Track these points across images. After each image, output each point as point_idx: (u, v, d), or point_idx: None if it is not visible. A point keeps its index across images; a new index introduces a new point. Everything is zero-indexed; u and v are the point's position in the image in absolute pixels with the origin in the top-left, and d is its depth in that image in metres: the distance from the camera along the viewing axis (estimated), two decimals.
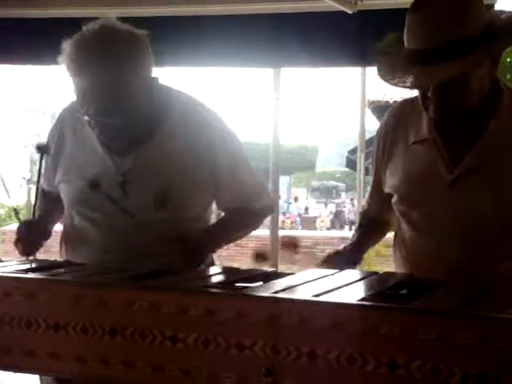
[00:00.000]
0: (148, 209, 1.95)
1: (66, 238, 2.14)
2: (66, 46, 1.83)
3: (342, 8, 3.64)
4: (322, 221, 24.56)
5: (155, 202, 1.91)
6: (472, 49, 1.66)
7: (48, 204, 2.19)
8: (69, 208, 2.08)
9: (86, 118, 1.88)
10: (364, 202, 2.18)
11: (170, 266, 1.76)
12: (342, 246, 1.99)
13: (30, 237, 2.00)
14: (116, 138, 1.94)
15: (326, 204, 28.80)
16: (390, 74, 1.80)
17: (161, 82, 2.01)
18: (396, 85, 1.80)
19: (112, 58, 1.81)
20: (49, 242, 2.07)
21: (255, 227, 2.23)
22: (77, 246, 2.08)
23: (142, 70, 1.88)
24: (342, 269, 1.73)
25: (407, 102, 1.96)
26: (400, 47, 1.79)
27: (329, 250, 2.04)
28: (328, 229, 21.80)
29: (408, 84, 1.75)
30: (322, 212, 27.02)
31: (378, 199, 2.05)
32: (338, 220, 23.84)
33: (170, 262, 1.83)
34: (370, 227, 2.10)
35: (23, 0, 3.72)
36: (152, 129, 1.97)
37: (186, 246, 1.90)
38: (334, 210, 26.27)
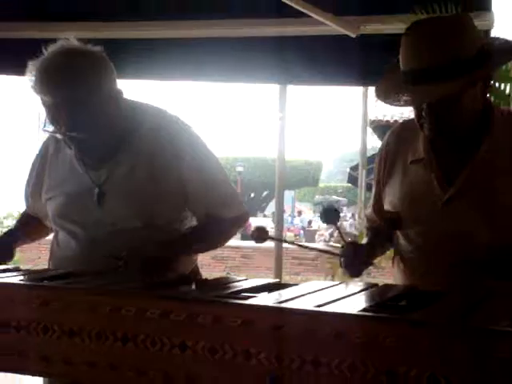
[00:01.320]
0: (123, 218, 1.96)
1: (52, 251, 2.16)
2: (31, 67, 1.87)
3: (345, 32, 3.65)
4: (322, 234, 24.46)
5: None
6: (463, 70, 1.66)
7: (21, 220, 2.26)
8: (53, 223, 2.11)
9: (59, 135, 1.91)
10: (367, 213, 2.14)
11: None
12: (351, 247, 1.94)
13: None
14: (89, 153, 1.97)
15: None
16: (385, 93, 1.81)
17: (128, 96, 2.02)
18: (391, 104, 1.81)
19: (73, 76, 1.84)
20: (37, 253, 2.11)
21: (227, 236, 2.17)
22: (60, 259, 2.10)
23: (102, 85, 1.89)
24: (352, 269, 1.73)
25: (408, 123, 1.96)
26: (396, 69, 1.79)
27: (331, 261, 2.02)
28: (326, 241, 21.65)
29: (402, 103, 1.77)
30: (321, 225, 26.89)
31: (380, 213, 2.04)
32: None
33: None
34: (378, 235, 2.08)
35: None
36: (122, 142, 1.99)
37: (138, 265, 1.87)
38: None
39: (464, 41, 1.69)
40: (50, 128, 1.92)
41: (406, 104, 1.79)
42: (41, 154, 2.15)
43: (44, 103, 1.87)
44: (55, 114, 1.87)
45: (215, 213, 2.07)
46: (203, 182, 2.03)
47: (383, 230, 2.07)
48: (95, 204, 1.98)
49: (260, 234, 1.82)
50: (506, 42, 1.91)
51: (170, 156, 1.98)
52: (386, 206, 1.95)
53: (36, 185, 2.14)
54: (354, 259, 1.82)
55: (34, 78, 1.85)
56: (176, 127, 2.04)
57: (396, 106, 1.81)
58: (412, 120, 1.86)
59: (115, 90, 1.95)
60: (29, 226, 2.21)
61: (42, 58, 1.87)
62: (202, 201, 2.06)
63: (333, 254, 1.91)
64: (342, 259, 1.83)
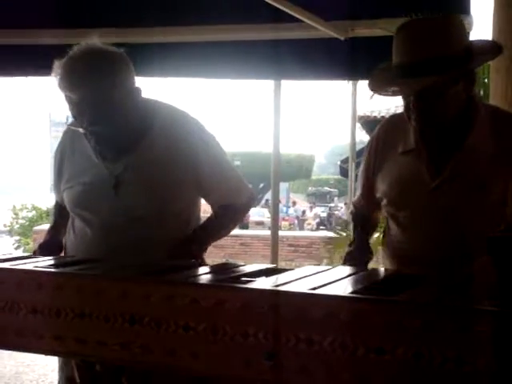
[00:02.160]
0: (138, 207, 1.97)
1: (68, 239, 2.17)
2: (57, 66, 1.89)
3: (335, 35, 3.66)
4: (309, 223, 24.42)
5: None
6: (448, 66, 1.67)
7: (58, 213, 2.24)
8: (70, 212, 2.11)
9: (81, 129, 1.93)
10: (355, 201, 2.16)
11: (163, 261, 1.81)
12: (350, 248, 1.97)
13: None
14: (107, 146, 1.98)
15: (311, 208, 28.50)
16: (377, 85, 1.85)
17: (144, 94, 2.03)
18: (381, 94, 1.84)
19: (95, 74, 1.86)
20: None
21: (240, 221, 2.29)
22: (76, 246, 2.10)
23: (122, 82, 1.91)
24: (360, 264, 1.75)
25: (396, 117, 1.97)
26: (388, 65, 1.81)
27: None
28: (314, 230, 21.61)
29: (390, 94, 1.80)
30: (309, 214, 26.84)
31: (368, 201, 2.05)
32: (328, 222, 23.70)
33: (161, 257, 1.89)
34: (366, 226, 2.10)
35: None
36: (138, 137, 2.00)
37: (187, 248, 1.95)
38: (319, 213, 26.04)
39: (450, 39, 1.71)
40: (74, 123, 1.95)
41: (395, 94, 1.82)
42: (60, 149, 2.16)
43: (68, 99, 1.89)
44: (78, 109, 1.88)
45: (229, 201, 2.12)
46: (216, 173, 2.06)
47: (369, 218, 2.09)
48: (112, 193, 1.98)
49: None
50: (487, 42, 1.93)
51: (184, 150, 2.00)
52: (378, 195, 1.96)
53: (57, 178, 2.15)
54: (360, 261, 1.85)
55: (59, 76, 1.87)
56: (188, 123, 2.06)
57: (385, 96, 1.85)
58: (401, 114, 1.87)
59: (134, 88, 1.96)
60: (63, 217, 2.20)
61: (67, 57, 1.89)
62: (215, 191, 2.10)
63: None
64: (352, 256, 1.87)
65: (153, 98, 2.10)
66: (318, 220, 24.79)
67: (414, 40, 1.71)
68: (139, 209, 1.97)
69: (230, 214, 2.15)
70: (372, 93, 1.87)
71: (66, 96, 1.89)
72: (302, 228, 22.79)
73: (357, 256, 1.88)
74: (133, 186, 1.98)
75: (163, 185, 1.98)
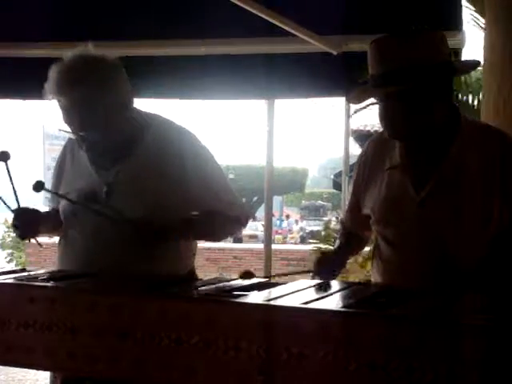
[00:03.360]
0: (128, 214, 1.95)
1: (60, 246, 2.16)
2: (51, 71, 1.90)
3: (328, 50, 3.69)
4: (292, 237, 24.03)
5: None
6: (411, 75, 1.70)
7: (50, 212, 2.22)
8: (63, 219, 2.11)
9: (74, 136, 1.94)
10: (343, 218, 2.17)
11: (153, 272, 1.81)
12: (324, 257, 1.96)
13: (25, 222, 2.03)
14: (99, 153, 1.99)
15: (296, 222, 28.28)
16: (355, 97, 1.92)
17: (141, 108, 2.04)
18: (353, 102, 1.99)
19: (89, 78, 1.87)
20: (43, 254, 2.09)
21: (228, 230, 2.20)
22: (68, 253, 2.10)
23: (114, 89, 1.92)
24: (325, 277, 1.74)
25: (384, 134, 1.98)
26: (366, 78, 1.87)
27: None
28: (297, 243, 21.43)
29: (358, 100, 1.92)
30: (294, 228, 26.61)
31: (355, 219, 2.05)
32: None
33: (150, 269, 1.87)
34: (350, 241, 2.10)
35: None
36: (131, 146, 2.01)
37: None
38: (306, 227, 25.76)
39: (418, 50, 1.73)
40: (66, 128, 1.95)
41: (361, 101, 1.93)
42: (60, 158, 2.17)
43: (60, 104, 1.90)
44: (70, 114, 1.90)
45: (221, 211, 2.07)
46: (206, 187, 2.05)
47: (355, 236, 2.10)
48: (103, 201, 1.98)
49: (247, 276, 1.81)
50: (469, 60, 1.97)
51: (175, 161, 2.00)
52: (366, 211, 1.97)
53: (56, 186, 2.15)
54: (325, 272, 1.83)
55: (52, 81, 1.88)
56: (182, 135, 2.06)
57: (357, 103, 1.98)
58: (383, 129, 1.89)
59: (126, 96, 1.97)
60: (55, 214, 2.17)
61: (60, 62, 1.91)
62: (205, 204, 2.07)
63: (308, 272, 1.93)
64: (315, 273, 1.85)
65: (150, 111, 2.10)
66: (301, 233, 24.53)
67: (383, 52, 1.76)
68: (127, 217, 1.96)
69: (217, 218, 2.08)
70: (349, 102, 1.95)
71: (58, 101, 1.91)
72: (302, 241, 22.71)
73: (322, 266, 1.87)
74: (123, 194, 1.99)
75: (153, 195, 1.97)
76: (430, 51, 1.75)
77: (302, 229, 25.73)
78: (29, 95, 4.05)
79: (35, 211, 2.09)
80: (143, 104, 2.05)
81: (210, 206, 2.07)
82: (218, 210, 2.07)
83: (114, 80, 1.93)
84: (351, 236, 2.11)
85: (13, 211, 2.04)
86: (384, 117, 1.80)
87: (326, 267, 1.84)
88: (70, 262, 2.05)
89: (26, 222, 2.04)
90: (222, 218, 2.09)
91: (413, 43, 1.74)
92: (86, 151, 1.99)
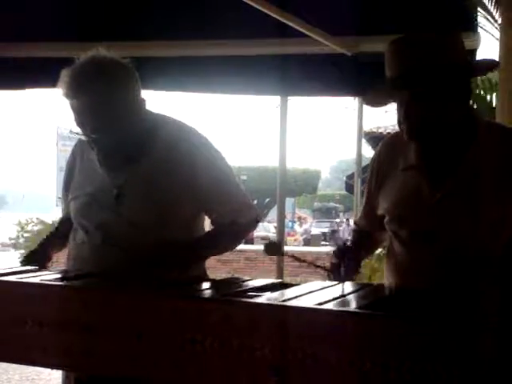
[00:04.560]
0: (139, 218, 1.97)
1: (70, 249, 2.17)
2: (63, 74, 1.91)
3: (342, 51, 3.69)
4: (296, 239, 23.63)
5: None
6: (434, 77, 1.70)
7: (58, 227, 2.26)
8: (74, 222, 2.12)
9: (85, 138, 1.95)
10: (357, 220, 2.17)
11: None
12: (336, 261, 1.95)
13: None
14: (110, 156, 1.99)
15: (301, 224, 27.98)
16: (372, 99, 1.91)
17: (149, 107, 2.03)
18: (376, 107, 1.92)
19: (101, 81, 1.88)
20: (56, 254, 2.14)
21: (240, 240, 2.22)
22: (77, 256, 2.11)
23: (126, 91, 1.93)
24: (341, 280, 1.74)
25: (398, 134, 1.98)
26: (383, 79, 1.85)
27: (328, 263, 2.01)
28: (300, 246, 21.19)
29: (378, 104, 1.88)
30: (298, 230, 26.28)
31: (369, 220, 2.05)
32: (333, 238, 23.23)
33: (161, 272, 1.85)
34: (364, 243, 2.10)
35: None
36: (142, 148, 2.01)
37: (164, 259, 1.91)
38: (310, 229, 25.53)
39: (439, 52, 1.73)
40: (77, 130, 1.96)
41: (381, 104, 1.89)
42: (70, 160, 2.18)
43: (72, 107, 1.91)
44: (82, 116, 1.90)
45: (230, 219, 2.08)
46: (218, 191, 2.04)
47: (369, 235, 2.09)
48: (113, 204, 1.99)
49: (272, 249, 1.79)
50: (486, 59, 1.95)
51: (185, 165, 1.99)
52: (380, 212, 1.97)
53: (66, 188, 2.17)
54: (342, 271, 1.82)
55: (64, 83, 1.89)
56: (193, 138, 2.06)
57: (375, 106, 1.93)
58: (400, 132, 1.88)
59: (139, 98, 1.98)
60: (63, 230, 2.21)
61: (73, 65, 1.92)
62: (216, 209, 2.08)
63: (325, 269, 1.92)
64: (332, 273, 1.84)
65: (161, 112, 2.11)
66: (305, 236, 24.25)
67: (401, 53, 1.75)
68: (140, 220, 1.97)
69: (230, 232, 2.11)
70: (369, 107, 1.92)
71: (70, 104, 1.91)
72: (306, 243, 22.62)
73: (339, 269, 1.86)
74: (134, 197, 1.99)
75: (164, 198, 1.98)
76: (449, 52, 1.74)
77: (306, 231, 25.39)
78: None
79: (44, 244, 2.14)
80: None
81: (221, 212, 2.08)
82: (228, 217, 2.07)
83: (126, 83, 1.93)
84: (364, 235, 2.11)
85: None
86: (404, 119, 1.78)
87: (341, 273, 1.83)
88: (79, 260, 2.07)
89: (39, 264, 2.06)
90: (233, 230, 2.10)
91: (431, 45, 1.73)
92: (96, 153, 1.99)
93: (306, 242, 22.84)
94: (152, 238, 1.96)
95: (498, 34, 3.56)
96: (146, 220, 1.97)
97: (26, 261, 2.08)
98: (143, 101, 1.99)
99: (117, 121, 1.91)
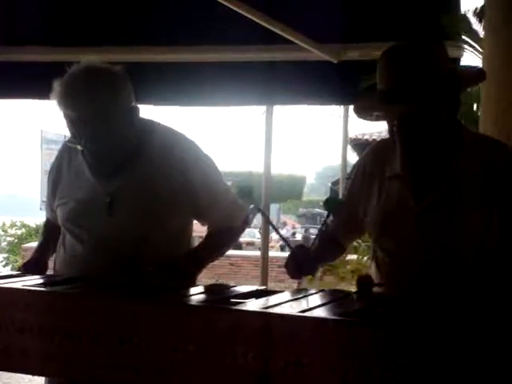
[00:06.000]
0: (131, 226, 1.97)
1: (58, 255, 2.16)
2: (57, 84, 1.90)
3: (328, 58, 3.71)
4: (272, 246, 23.24)
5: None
6: (430, 91, 1.70)
7: (47, 232, 2.24)
8: (63, 228, 2.11)
9: (78, 146, 1.94)
10: (328, 221, 2.14)
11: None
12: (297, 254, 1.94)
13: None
14: (103, 163, 1.98)
15: (277, 229, 27.76)
16: (362, 110, 1.88)
17: (142, 115, 2.04)
18: (366, 119, 1.88)
19: (93, 91, 1.88)
20: None
21: (235, 242, 2.28)
22: (66, 263, 2.09)
23: (120, 101, 1.93)
24: (294, 275, 1.76)
25: (385, 142, 1.98)
26: (372, 90, 1.84)
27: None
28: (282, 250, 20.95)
29: (374, 118, 1.84)
30: (274, 237, 25.94)
31: (343, 225, 2.04)
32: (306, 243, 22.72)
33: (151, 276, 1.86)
34: (330, 246, 2.09)
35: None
36: (134, 155, 2.00)
37: (169, 272, 1.91)
38: (288, 237, 25.21)
39: (432, 65, 1.74)
40: (72, 140, 1.95)
41: (378, 119, 1.85)
42: (56, 164, 2.16)
43: (66, 117, 1.91)
44: (77, 127, 1.90)
45: (224, 224, 2.11)
46: (212, 196, 2.06)
47: (333, 240, 2.08)
48: (105, 212, 1.98)
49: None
50: (472, 68, 1.96)
51: (179, 171, 2.00)
52: (364, 217, 1.96)
53: (51, 193, 2.15)
54: (300, 264, 1.85)
55: (58, 94, 1.89)
56: (185, 145, 2.06)
57: (369, 120, 1.88)
58: (389, 139, 1.89)
59: (132, 107, 1.98)
60: (53, 235, 2.19)
61: (66, 75, 1.91)
62: (211, 215, 2.10)
63: (289, 246, 1.95)
64: (289, 262, 1.86)
65: (150, 118, 2.10)
66: (281, 243, 23.96)
67: (395, 66, 1.75)
68: (132, 227, 1.97)
69: (225, 237, 2.15)
70: (357, 117, 1.91)
71: (64, 114, 1.91)
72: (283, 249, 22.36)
73: (293, 264, 1.87)
74: (126, 204, 1.98)
75: (157, 204, 1.98)
76: (439, 64, 1.75)
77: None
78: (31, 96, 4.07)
79: (41, 265, 2.10)
80: (142, 110, 2.05)
81: (216, 217, 2.10)
82: (223, 223, 2.10)
83: (119, 92, 1.93)
84: (330, 240, 2.08)
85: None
86: (400, 133, 1.77)
87: (296, 263, 1.84)
88: (70, 268, 2.05)
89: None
90: (228, 235, 2.15)
91: (422, 58, 1.74)
92: (89, 160, 1.98)
93: (283, 249, 22.49)
94: (144, 245, 1.96)
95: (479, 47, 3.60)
96: (138, 227, 1.97)
97: (25, 272, 2.03)
98: (136, 108, 1.99)
99: (112, 131, 1.91)
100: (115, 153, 1.97)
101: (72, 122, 1.90)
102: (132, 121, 1.97)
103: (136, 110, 1.99)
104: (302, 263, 1.87)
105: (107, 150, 1.94)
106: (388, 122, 1.81)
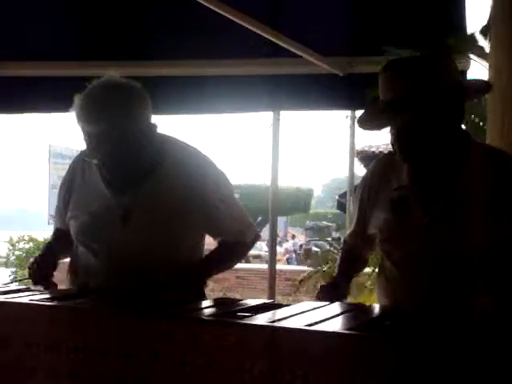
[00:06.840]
0: (146, 240, 1.97)
1: (71, 268, 2.16)
2: (77, 98, 1.91)
3: (334, 71, 3.72)
4: (279, 259, 23.01)
5: None
6: (428, 102, 1.70)
7: (57, 238, 2.23)
8: (75, 240, 2.11)
9: (95, 161, 1.95)
10: (347, 238, 2.16)
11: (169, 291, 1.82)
12: (329, 281, 1.98)
13: (40, 270, 2.00)
14: (119, 178, 1.99)
15: (280, 243, 27.70)
16: (365, 122, 1.90)
17: (159, 130, 2.04)
18: (369, 130, 1.91)
19: (113, 107, 1.89)
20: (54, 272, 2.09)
21: (244, 257, 2.33)
22: (80, 275, 2.10)
23: (139, 118, 1.93)
24: (332, 301, 1.73)
25: (392, 153, 1.99)
26: (376, 101, 1.86)
27: (320, 283, 2.03)
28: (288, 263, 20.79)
29: (377, 129, 1.88)
30: (278, 250, 25.60)
31: (361, 238, 2.05)
32: (308, 256, 22.50)
33: (165, 287, 1.86)
34: (354, 263, 2.11)
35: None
36: (150, 170, 2.01)
37: (179, 282, 1.92)
38: (291, 248, 25.11)
39: (433, 76, 1.74)
40: (87, 154, 1.97)
41: (380, 128, 1.89)
42: (68, 177, 2.17)
43: (85, 132, 1.91)
44: (95, 142, 1.90)
45: (235, 240, 2.14)
46: (225, 212, 2.07)
47: (359, 254, 2.10)
48: (119, 225, 1.98)
49: None
50: (478, 81, 1.97)
51: (194, 187, 2.01)
52: (372, 231, 1.97)
53: (63, 205, 2.15)
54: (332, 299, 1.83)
55: (77, 109, 1.90)
56: (199, 161, 2.08)
57: (372, 130, 1.92)
58: (394, 151, 1.89)
59: (150, 123, 1.98)
60: (63, 240, 2.18)
61: (86, 91, 1.93)
62: (223, 230, 2.12)
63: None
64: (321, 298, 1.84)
65: (166, 133, 2.11)
66: (287, 256, 23.82)
67: (402, 77, 1.76)
68: (146, 239, 1.97)
69: (235, 251, 2.18)
70: (361, 128, 1.92)
71: (82, 128, 1.91)
72: (299, 262, 22.33)
73: (329, 292, 1.86)
74: (141, 218, 1.99)
75: (170, 218, 1.98)
76: (443, 76, 1.76)
77: (287, 250, 24.95)
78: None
79: (51, 250, 2.09)
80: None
81: (227, 233, 2.13)
82: (234, 238, 2.13)
83: (140, 107, 1.94)
84: (353, 256, 2.11)
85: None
86: (397, 141, 1.79)
87: (331, 295, 1.84)
88: (83, 279, 2.05)
89: (40, 276, 2.00)
90: (238, 249, 2.18)
91: (426, 69, 1.75)
92: (105, 174, 1.99)
93: (289, 263, 22.32)
94: (157, 257, 1.96)
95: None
96: (152, 241, 1.98)
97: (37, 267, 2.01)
98: (154, 125, 2.00)
99: (130, 146, 1.92)
100: (132, 168, 1.97)
101: (90, 137, 1.91)
102: (150, 137, 1.97)
103: (154, 126, 1.99)
104: (335, 298, 1.85)
105: (124, 165, 1.94)
106: (390, 132, 1.82)
